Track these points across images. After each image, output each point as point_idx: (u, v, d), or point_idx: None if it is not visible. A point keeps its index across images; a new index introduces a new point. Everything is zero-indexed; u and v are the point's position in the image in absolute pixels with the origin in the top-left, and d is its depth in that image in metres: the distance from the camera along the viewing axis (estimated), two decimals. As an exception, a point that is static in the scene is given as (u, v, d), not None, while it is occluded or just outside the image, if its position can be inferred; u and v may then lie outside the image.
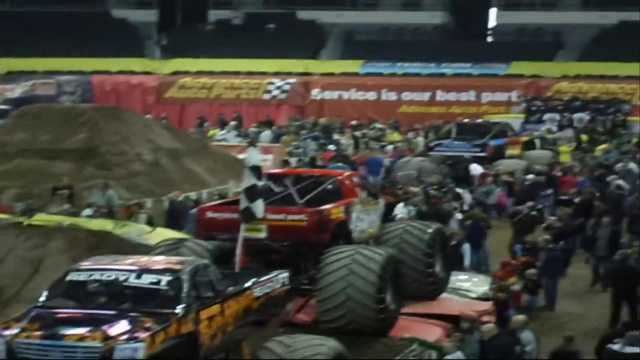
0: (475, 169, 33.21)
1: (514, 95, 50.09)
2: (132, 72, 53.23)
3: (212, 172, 30.97)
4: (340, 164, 32.25)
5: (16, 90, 48.11)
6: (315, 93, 52.98)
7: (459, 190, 29.49)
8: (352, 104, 52.20)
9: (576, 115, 44.71)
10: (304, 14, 58.51)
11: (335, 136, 43.13)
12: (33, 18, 55.91)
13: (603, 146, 38.99)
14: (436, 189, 28.98)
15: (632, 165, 33.16)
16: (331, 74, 54.61)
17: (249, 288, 15.69)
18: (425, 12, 58.67)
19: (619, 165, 33.46)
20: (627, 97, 47.63)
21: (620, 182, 30.33)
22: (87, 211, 24.46)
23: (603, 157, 36.70)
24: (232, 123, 44.69)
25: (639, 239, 23.58)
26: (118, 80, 51.85)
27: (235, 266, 16.75)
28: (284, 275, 16.72)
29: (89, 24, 55.99)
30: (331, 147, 39.01)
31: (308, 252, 17.78)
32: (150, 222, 23.86)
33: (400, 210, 25.35)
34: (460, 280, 20.90)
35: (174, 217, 25.64)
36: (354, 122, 46.53)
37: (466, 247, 23.40)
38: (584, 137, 41.47)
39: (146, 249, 19.06)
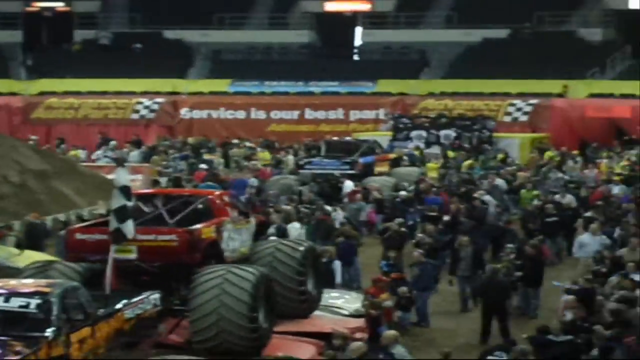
0: (348, 186, 33.41)
1: (381, 113, 50.02)
2: None
3: (81, 193, 30.56)
4: (210, 183, 32.10)
5: None
6: (184, 112, 52.43)
7: (328, 207, 29.58)
8: (221, 123, 51.81)
9: (442, 132, 44.97)
10: (170, 34, 58.27)
11: (206, 155, 42.90)
12: None
13: (468, 162, 39.49)
14: (307, 207, 29.07)
15: (499, 181, 33.79)
16: (200, 93, 54.33)
17: (120, 310, 15.59)
18: (291, 31, 58.86)
19: (485, 182, 34.08)
20: (492, 113, 47.90)
21: (486, 197, 30.77)
22: None
23: (466, 172, 37.32)
24: (112, 143, 44.16)
25: (505, 254, 24.00)
26: None
27: (106, 288, 16.48)
28: (155, 296, 16.67)
29: None
30: (202, 166, 38.74)
31: (179, 273, 17.56)
32: (19, 245, 23.24)
33: (295, 228, 25.59)
34: (333, 297, 20.85)
35: (32, 240, 24.94)
36: (224, 141, 46.27)
37: (337, 264, 23.41)
38: (451, 154, 41.84)
39: (15, 272, 18.63)
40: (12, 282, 15.55)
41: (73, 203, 29.42)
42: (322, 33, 60.57)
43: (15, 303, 14.32)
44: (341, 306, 20.75)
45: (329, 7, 60.23)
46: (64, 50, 59.19)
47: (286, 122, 52.00)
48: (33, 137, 43.77)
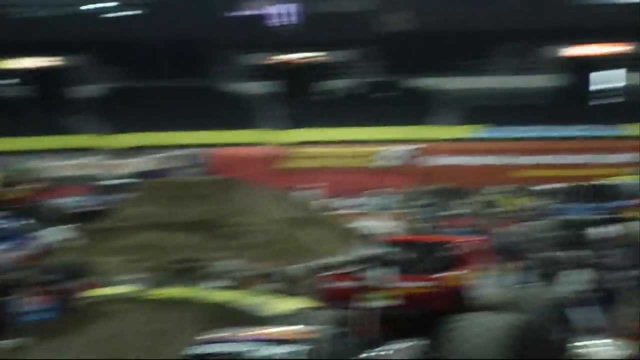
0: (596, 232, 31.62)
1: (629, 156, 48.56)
2: (248, 144, 53.89)
3: (324, 242, 30.62)
4: (465, 229, 31.90)
5: (137, 165, 49.08)
6: (427, 159, 52.46)
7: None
8: (466, 170, 51.47)
9: None
10: (419, 82, 58.51)
11: (457, 202, 42.62)
12: (149, 93, 57.46)
13: None
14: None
15: None
16: (443, 140, 54.34)
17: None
18: (535, 75, 58.07)
19: None
20: None
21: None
22: (207, 283, 24.56)
23: None
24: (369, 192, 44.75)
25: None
26: (235, 152, 52.27)
27: (362, 336, 16.46)
28: (421, 343, 16.55)
29: (205, 98, 57.56)
30: (454, 212, 38.82)
31: (433, 320, 17.29)
32: (272, 293, 23.59)
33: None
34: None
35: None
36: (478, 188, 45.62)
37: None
38: None
39: (270, 319, 19.06)
40: (270, 331, 15.68)
41: (316, 252, 29.35)
42: (569, 76, 59.78)
43: (278, 351, 14.34)
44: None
45: (575, 51, 59.55)
46: (311, 100, 60.35)
47: (535, 167, 51.04)
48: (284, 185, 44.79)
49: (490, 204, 42.43)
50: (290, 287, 24.69)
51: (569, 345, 18.99)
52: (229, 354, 14.31)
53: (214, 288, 23.95)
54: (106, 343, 20.35)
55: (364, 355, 15.36)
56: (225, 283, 24.74)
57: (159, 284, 24.14)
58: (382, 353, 15.81)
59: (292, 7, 62.57)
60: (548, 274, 25.09)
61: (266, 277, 25.19)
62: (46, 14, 62.17)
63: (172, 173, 45.46)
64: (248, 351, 14.27)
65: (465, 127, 55.57)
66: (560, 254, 28.42)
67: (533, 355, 17.51)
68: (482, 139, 54.24)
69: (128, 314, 21.21)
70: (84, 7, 62.93)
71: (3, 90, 58.78)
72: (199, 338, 15.04)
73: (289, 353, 14.22)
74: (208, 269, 26.31)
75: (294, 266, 27.37)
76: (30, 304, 24.19)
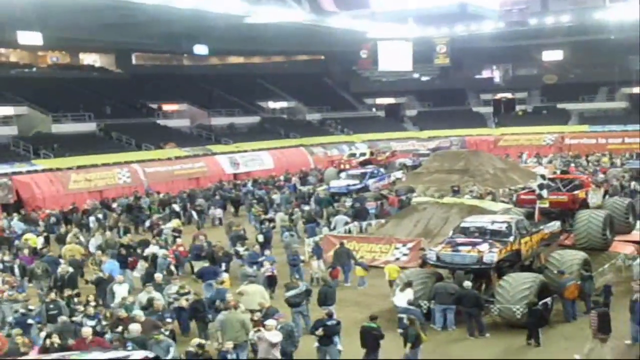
0: None
1: None
2: (481, 135, 51.59)
3: (521, 178, 28.77)
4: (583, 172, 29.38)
5: (432, 145, 48.82)
6: (566, 140, 47.55)
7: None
8: (584, 145, 46.26)
9: None
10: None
11: (578, 160, 38.58)
12: (440, 112, 55.51)
13: None
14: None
15: None
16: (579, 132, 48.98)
17: (542, 229, 15.00)
18: None
19: None
20: None
21: None
22: (467, 196, 23.74)
23: None
24: (548, 157, 41.24)
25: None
26: (476, 138, 50.66)
27: (535, 219, 16.02)
28: (557, 224, 15.96)
29: (462, 114, 54.89)
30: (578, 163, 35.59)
31: (567, 213, 16.85)
32: (494, 200, 22.70)
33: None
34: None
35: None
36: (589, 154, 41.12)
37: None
38: None
39: (494, 212, 18.48)
40: (493, 217, 15.25)
41: (517, 182, 27.63)
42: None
43: (496, 226, 13.94)
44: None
45: None
46: (512, 115, 56.12)
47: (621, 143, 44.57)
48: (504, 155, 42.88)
49: (597, 160, 38.92)
50: (499, 199, 23.66)
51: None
52: (478, 226, 14.09)
53: (468, 198, 23.20)
54: (419, 222, 20.33)
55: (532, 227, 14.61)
56: (473, 196, 23.89)
57: (443, 196, 23.67)
58: (542, 227, 15.14)
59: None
60: (625, 193, 23.44)
61: (490, 194, 24.24)
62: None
63: (448, 148, 45.07)
64: (486, 225, 14.05)
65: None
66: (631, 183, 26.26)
67: (613, 229, 16.94)
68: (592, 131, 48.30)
69: (430, 209, 20.87)
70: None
71: (372, 113, 59.66)
72: (464, 220, 15.24)
73: (497, 227, 13.83)
74: (464, 190, 25.85)
75: (504, 189, 26.17)
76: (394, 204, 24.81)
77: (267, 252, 17.14)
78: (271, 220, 22.83)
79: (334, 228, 21.17)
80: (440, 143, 48.41)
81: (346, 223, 21.67)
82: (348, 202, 25.72)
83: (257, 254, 17.02)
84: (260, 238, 19.50)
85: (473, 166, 29.42)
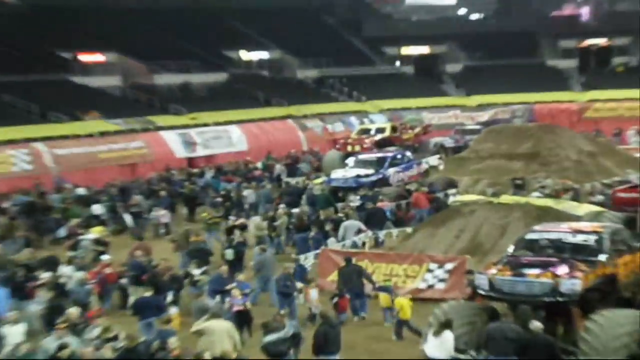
0: None
1: None
2: (560, 101, 51.99)
3: (618, 166, 29.36)
4: None
5: (484, 116, 49.02)
6: None
7: None
8: None
9: None
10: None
11: None
12: (494, 67, 56.06)
13: None
14: None
15: None
16: None
17: None
18: None
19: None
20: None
21: None
22: (535, 194, 24.15)
23: None
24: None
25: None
26: (551, 107, 50.89)
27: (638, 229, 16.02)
28: None
29: (532, 70, 55.80)
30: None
31: None
32: (575, 199, 22.81)
33: None
34: None
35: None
36: None
37: None
38: None
39: (576, 218, 18.91)
40: (576, 224, 15.42)
41: (613, 172, 28.33)
42: None
43: (579, 238, 14.09)
44: None
45: None
46: (606, 71, 57.34)
47: None
48: (593, 130, 43.43)
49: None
50: (585, 198, 23.92)
51: None
52: (552, 239, 14.35)
53: (538, 197, 23.45)
54: (464, 231, 20.54)
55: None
56: (545, 193, 24.11)
57: (500, 194, 23.85)
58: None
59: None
60: None
61: (570, 191, 24.40)
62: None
63: (509, 122, 45.23)
64: (564, 237, 14.29)
65: None
66: None
67: None
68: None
69: (480, 213, 21.11)
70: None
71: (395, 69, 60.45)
72: (531, 229, 15.27)
73: (582, 240, 14.02)
74: (531, 185, 26.04)
75: (592, 183, 26.43)
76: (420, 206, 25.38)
77: (239, 275, 17.04)
78: (243, 227, 22.88)
79: (343, 239, 21.58)
80: (496, 114, 48.76)
81: (359, 231, 22.04)
82: (355, 201, 26.03)
83: (223, 278, 16.97)
84: (230, 254, 19.58)
85: (546, 149, 29.78)
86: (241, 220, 23.82)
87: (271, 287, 17.57)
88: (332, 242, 21.64)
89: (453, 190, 27.05)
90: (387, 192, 27.36)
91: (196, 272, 18.50)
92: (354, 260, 18.04)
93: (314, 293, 16.96)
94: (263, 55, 55.91)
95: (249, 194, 28.99)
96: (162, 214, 27.30)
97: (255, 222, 23.92)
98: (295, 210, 25.15)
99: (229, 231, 22.61)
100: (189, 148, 39.98)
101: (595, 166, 29.16)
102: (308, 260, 20.20)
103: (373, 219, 23.46)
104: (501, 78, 54.44)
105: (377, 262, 18.99)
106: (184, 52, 50.10)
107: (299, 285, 17.40)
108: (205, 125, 42.75)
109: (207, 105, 45.40)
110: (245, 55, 55.30)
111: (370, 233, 22.41)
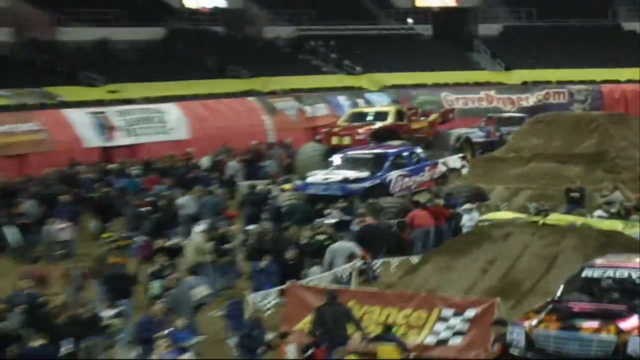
0: None
1: None
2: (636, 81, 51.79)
3: None
4: None
5: (530, 99, 49.35)
6: None
7: None
8: None
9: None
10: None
11: None
12: (546, 31, 57.15)
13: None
14: None
15: None
16: None
17: None
18: None
19: None
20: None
21: None
22: (598, 212, 24.52)
23: None
24: None
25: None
26: (626, 88, 51.10)
27: None
28: None
29: (600, 36, 56.41)
30: None
31: None
32: None
33: None
34: None
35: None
36: None
37: None
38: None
39: None
40: None
41: None
42: None
43: None
44: None
45: None
46: None
47: None
48: None
49: None
50: None
51: None
52: (619, 278, 14.80)
53: (601, 217, 23.74)
54: (495, 263, 20.57)
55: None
56: (611, 212, 24.41)
57: (548, 210, 24.09)
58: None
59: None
60: None
61: None
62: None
63: (564, 107, 45.52)
64: (637, 275, 14.66)
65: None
66: None
67: None
68: None
69: (518, 237, 21.16)
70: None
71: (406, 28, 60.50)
72: (590, 262, 15.65)
73: None
74: (593, 198, 26.41)
75: None
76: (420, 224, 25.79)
77: (179, 320, 17.45)
78: (174, 251, 22.91)
79: (330, 267, 22.12)
80: (547, 97, 49.03)
81: (351, 256, 22.40)
82: (333, 215, 26.39)
83: (153, 322, 17.43)
84: (157, 288, 19.85)
85: (616, 148, 30.21)
86: (173, 241, 23.93)
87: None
88: (314, 272, 21.87)
89: (481, 204, 27.12)
90: (385, 205, 27.34)
91: (107, 312, 18.38)
92: (337, 297, 18.09)
93: (291, 349, 17.14)
94: (217, 2, 56.00)
95: (186, 202, 28.94)
96: (61, 228, 27.24)
97: (194, 243, 23.82)
98: (250, 227, 25.22)
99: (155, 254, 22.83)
100: (105, 134, 39.87)
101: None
102: (269, 299, 20.20)
103: (371, 241, 23.66)
104: (556, 46, 55.10)
105: (367, 305, 19.01)
106: (102, -4, 50.24)
107: (269, 336, 17.63)
108: (130, 101, 42.90)
109: (134, 73, 45.63)
110: (191, 2, 55.30)
111: (359, 263, 22.50)
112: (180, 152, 38.98)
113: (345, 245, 22.82)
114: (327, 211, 27.17)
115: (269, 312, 19.89)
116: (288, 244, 23.48)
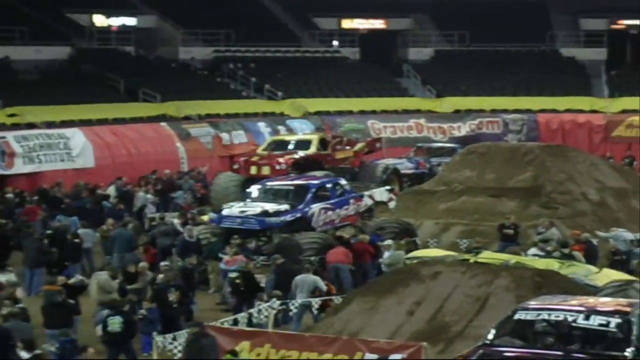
0: None
1: None
2: (579, 111, 52.67)
3: None
4: None
5: (462, 129, 49.59)
6: None
7: None
8: None
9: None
10: None
11: None
12: (480, 56, 57.52)
13: None
14: None
15: None
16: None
17: None
18: None
19: None
20: None
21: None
22: (534, 250, 24.70)
23: None
24: None
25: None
26: (564, 118, 51.63)
27: None
28: None
29: (538, 62, 57.01)
30: None
31: None
32: (593, 261, 23.61)
33: None
34: None
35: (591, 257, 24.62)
36: None
37: None
38: None
39: (593, 290, 19.42)
40: (592, 300, 15.99)
41: None
42: None
43: (595, 321, 14.56)
44: None
45: None
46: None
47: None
48: (609, 154, 44.06)
49: None
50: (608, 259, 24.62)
51: None
52: (555, 321, 14.81)
53: (535, 255, 23.94)
54: (423, 304, 20.63)
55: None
56: (547, 250, 24.62)
57: (480, 248, 24.32)
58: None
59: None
60: None
61: (585, 247, 24.83)
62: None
63: (499, 137, 45.80)
64: (574, 319, 14.65)
65: None
66: None
67: None
68: None
69: (449, 276, 21.31)
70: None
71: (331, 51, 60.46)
72: (524, 304, 15.70)
73: (599, 325, 14.41)
74: (527, 236, 26.76)
75: (623, 236, 26.77)
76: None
77: None
78: (77, 290, 22.56)
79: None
80: (480, 126, 49.33)
81: (314, 290, 22.85)
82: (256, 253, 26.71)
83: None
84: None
85: (552, 182, 30.48)
86: (76, 278, 23.60)
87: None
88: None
89: (410, 241, 27.08)
90: (305, 240, 27.20)
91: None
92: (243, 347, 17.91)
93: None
94: (128, 21, 55.75)
95: (85, 235, 28.84)
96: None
97: (100, 280, 23.50)
98: (164, 264, 25.13)
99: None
100: (3, 161, 39.23)
101: (626, 211, 29.85)
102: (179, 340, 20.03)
103: (284, 280, 23.71)
104: (490, 72, 55.52)
105: (284, 349, 18.94)
106: (4, 13, 49.86)
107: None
108: (32, 126, 42.42)
109: (37, 95, 45.23)
110: (100, 20, 55.04)
111: (277, 303, 22.39)
112: (84, 181, 38.51)
113: (309, 278, 23.10)
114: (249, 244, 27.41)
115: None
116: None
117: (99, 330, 20.74)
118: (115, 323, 20.20)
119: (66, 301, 21.28)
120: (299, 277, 23.31)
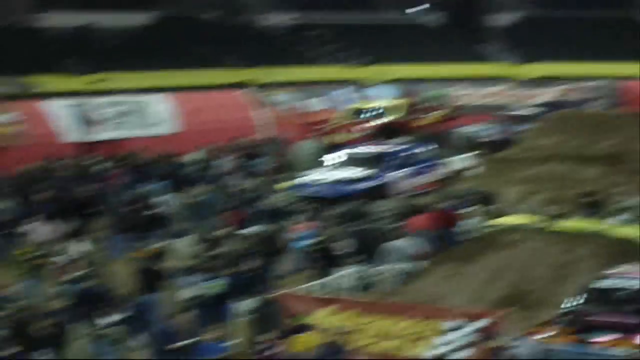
0: None
1: None
2: None
3: None
4: None
5: (546, 95, 49.30)
6: None
7: None
8: None
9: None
10: None
11: None
12: (565, 22, 57.45)
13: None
14: None
15: None
16: None
17: None
18: None
19: None
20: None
21: None
22: (614, 219, 24.32)
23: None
24: None
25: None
26: None
27: None
28: None
29: (622, 29, 56.69)
30: None
31: None
32: None
33: None
34: None
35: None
36: None
37: None
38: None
39: None
40: None
41: None
42: None
43: None
44: None
45: None
46: None
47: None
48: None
49: None
50: None
51: None
52: (637, 290, 14.95)
53: (619, 223, 23.69)
54: (503, 272, 20.87)
55: None
56: (630, 218, 24.24)
57: (562, 216, 24.14)
58: None
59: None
60: None
61: None
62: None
63: (581, 104, 45.42)
64: None
65: None
66: None
67: None
68: None
69: (529, 244, 21.53)
70: None
71: (417, 17, 60.47)
72: (604, 272, 15.91)
73: None
74: (613, 203, 26.19)
75: None
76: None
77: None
78: (157, 256, 22.83)
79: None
80: (565, 93, 49.02)
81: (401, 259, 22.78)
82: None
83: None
84: None
85: (635, 150, 30.12)
86: (157, 245, 23.85)
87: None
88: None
89: (489, 208, 27.03)
90: (385, 207, 27.33)
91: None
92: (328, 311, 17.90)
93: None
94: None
95: (166, 200, 29.12)
96: (36, 228, 26.85)
97: (182, 247, 23.84)
98: (244, 232, 25.31)
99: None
100: (88, 127, 39.77)
101: None
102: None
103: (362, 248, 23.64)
104: (575, 38, 55.20)
105: (363, 317, 19.03)
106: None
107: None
108: (116, 92, 42.88)
109: (121, 62, 45.67)
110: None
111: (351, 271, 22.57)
112: (170, 147, 38.80)
113: (396, 244, 23.24)
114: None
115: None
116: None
117: (184, 294, 20.93)
118: (215, 286, 20.51)
119: (153, 267, 21.66)
120: (387, 244, 23.27)
